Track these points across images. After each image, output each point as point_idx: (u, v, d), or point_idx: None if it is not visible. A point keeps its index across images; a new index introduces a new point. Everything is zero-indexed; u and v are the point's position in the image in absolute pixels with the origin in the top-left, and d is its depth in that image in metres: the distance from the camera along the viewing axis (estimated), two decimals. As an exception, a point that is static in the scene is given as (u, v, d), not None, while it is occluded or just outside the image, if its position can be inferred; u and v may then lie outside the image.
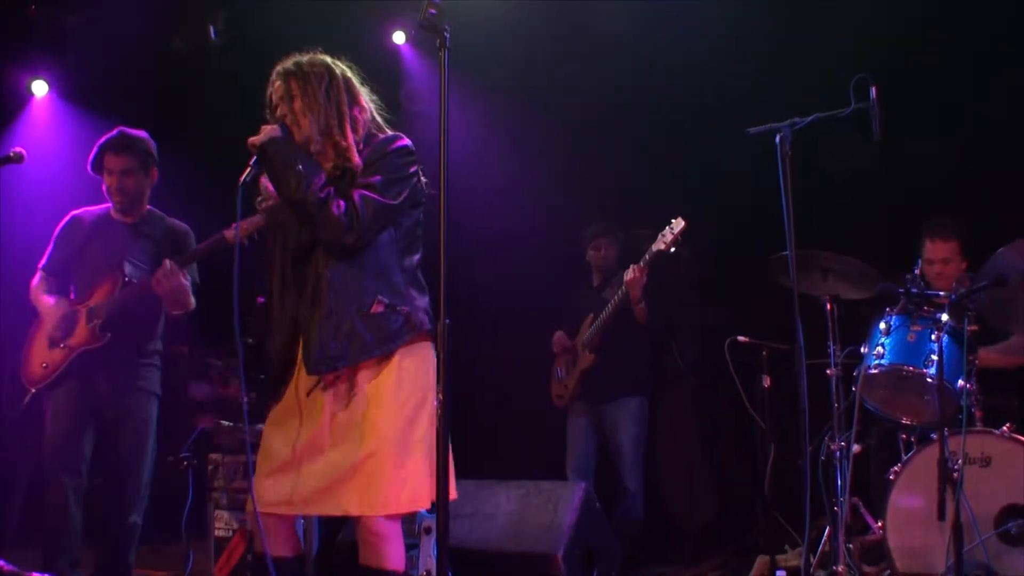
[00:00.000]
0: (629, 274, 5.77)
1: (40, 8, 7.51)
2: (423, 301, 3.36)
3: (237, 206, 3.21)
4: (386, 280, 3.28)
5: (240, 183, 3.19)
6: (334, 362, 3.20)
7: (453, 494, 3.19)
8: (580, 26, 6.84)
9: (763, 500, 5.69)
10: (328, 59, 3.38)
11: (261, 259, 3.50)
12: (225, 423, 5.56)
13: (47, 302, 4.59)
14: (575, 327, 6.19)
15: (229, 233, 4.20)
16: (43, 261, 4.73)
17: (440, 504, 2.95)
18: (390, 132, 3.43)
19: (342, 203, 3.17)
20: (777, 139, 4.44)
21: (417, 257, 3.41)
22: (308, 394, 3.26)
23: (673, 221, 5.63)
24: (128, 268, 4.52)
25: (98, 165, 4.64)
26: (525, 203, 7.22)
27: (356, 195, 3.20)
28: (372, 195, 3.22)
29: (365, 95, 3.43)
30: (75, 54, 7.69)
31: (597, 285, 6.30)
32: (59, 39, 7.63)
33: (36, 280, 4.70)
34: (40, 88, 7.81)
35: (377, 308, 3.23)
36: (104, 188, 4.66)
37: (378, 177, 3.25)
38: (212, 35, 7.41)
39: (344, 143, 3.27)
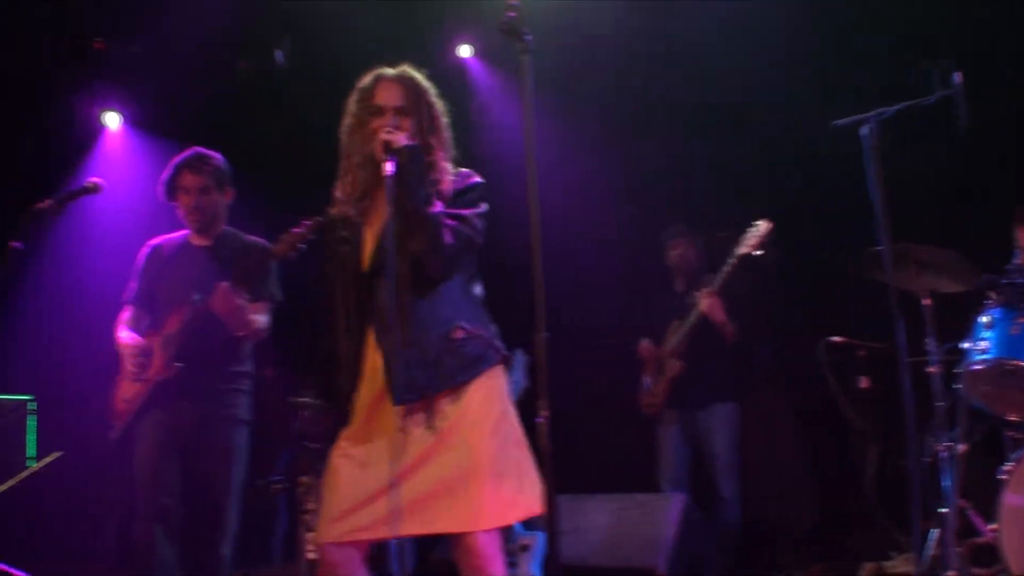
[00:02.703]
0: (703, 304, 5.70)
1: (108, 41, 7.60)
2: (493, 328, 3.34)
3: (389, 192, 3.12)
4: (461, 307, 3.27)
5: (387, 177, 3.12)
6: (422, 391, 3.15)
7: (538, 508, 3.14)
8: (654, 25, 6.72)
9: (865, 504, 5.53)
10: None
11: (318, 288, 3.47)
12: (313, 446, 5.52)
13: (120, 338, 4.52)
14: (661, 334, 6.06)
15: (276, 248, 4.12)
16: (129, 294, 4.68)
17: (549, 522, 2.88)
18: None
19: (448, 233, 3.16)
20: (863, 131, 4.33)
21: (480, 287, 3.39)
22: (397, 428, 3.17)
23: (758, 223, 5.51)
24: (197, 294, 4.40)
25: (172, 187, 4.58)
26: (604, 209, 7.13)
27: (454, 225, 3.19)
28: (467, 229, 3.22)
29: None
30: (145, 84, 7.76)
31: (680, 290, 6.16)
32: (128, 70, 7.71)
33: (124, 315, 4.65)
34: (112, 120, 7.90)
35: (458, 335, 3.20)
36: (180, 211, 4.61)
37: (469, 211, 3.26)
38: (278, 58, 7.45)
39: (439, 179, 3.26)
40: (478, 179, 3.36)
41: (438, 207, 3.17)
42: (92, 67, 7.65)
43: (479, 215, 3.29)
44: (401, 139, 3.16)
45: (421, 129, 3.28)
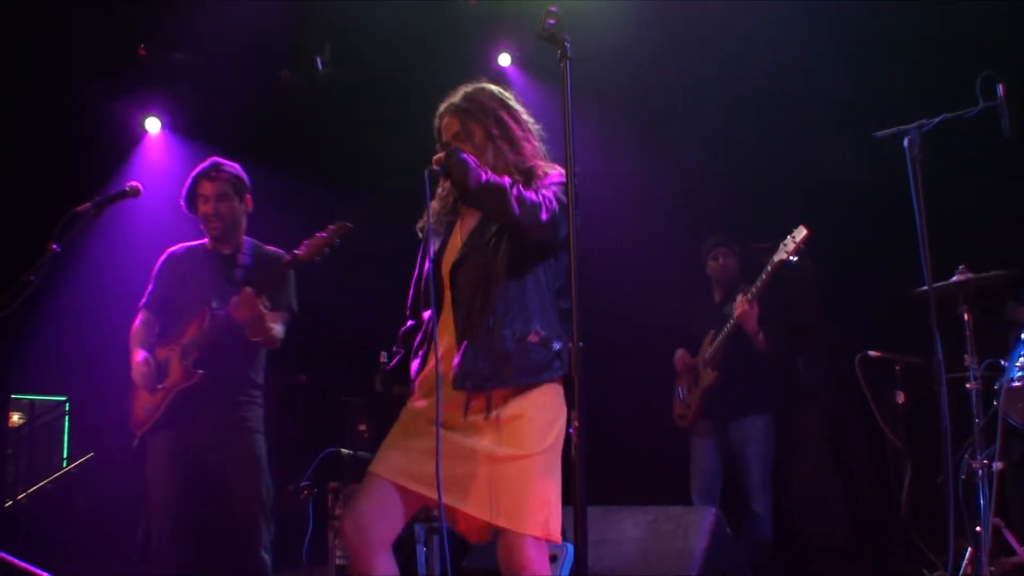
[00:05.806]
0: (738, 308, 5.64)
1: (149, 48, 7.67)
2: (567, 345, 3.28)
3: (426, 193, 3.23)
4: (542, 315, 3.24)
5: (426, 171, 3.21)
6: (483, 381, 3.14)
7: (558, 538, 3.12)
8: (693, 31, 6.70)
9: (899, 521, 5.47)
10: (495, 90, 3.44)
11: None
12: (345, 451, 5.54)
13: (134, 358, 4.50)
14: (696, 344, 6.02)
15: (299, 252, 4.14)
16: (143, 299, 4.68)
17: (578, 534, 2.84)
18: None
19: (529, 193, 3.17)
20: (905, 142, 4.28)
21: (566, 302, 3.31)
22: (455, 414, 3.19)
23: (795, 230, 5.46)
24: (215, 301, 4.43)
25: (192, 196, 4.60)
26: (641, 218, 7.09)
27: (522, 189, 3.19)
28: (534, 194, 3.18)
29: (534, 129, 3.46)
30: (186, 90, 7.82)
31: (718, 300, 6.12)
32: (169, 76, 7.77)
33: (137, 321, 4.64)
34: (153, 125, 7.97)
35: (533, 338, 3.19)
36: (200, 220, 4.61)
37: (550, 184, 3.25)
38: (319, 66, 7.49)
39: (518, 176, 3.29)
40: (558, 175, 3.30)
41: (505, 180, 3.17)
42: (134, 73, 7.73)
43: (549, 185, 3.24)
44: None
45: (485, 144, 3.33)
